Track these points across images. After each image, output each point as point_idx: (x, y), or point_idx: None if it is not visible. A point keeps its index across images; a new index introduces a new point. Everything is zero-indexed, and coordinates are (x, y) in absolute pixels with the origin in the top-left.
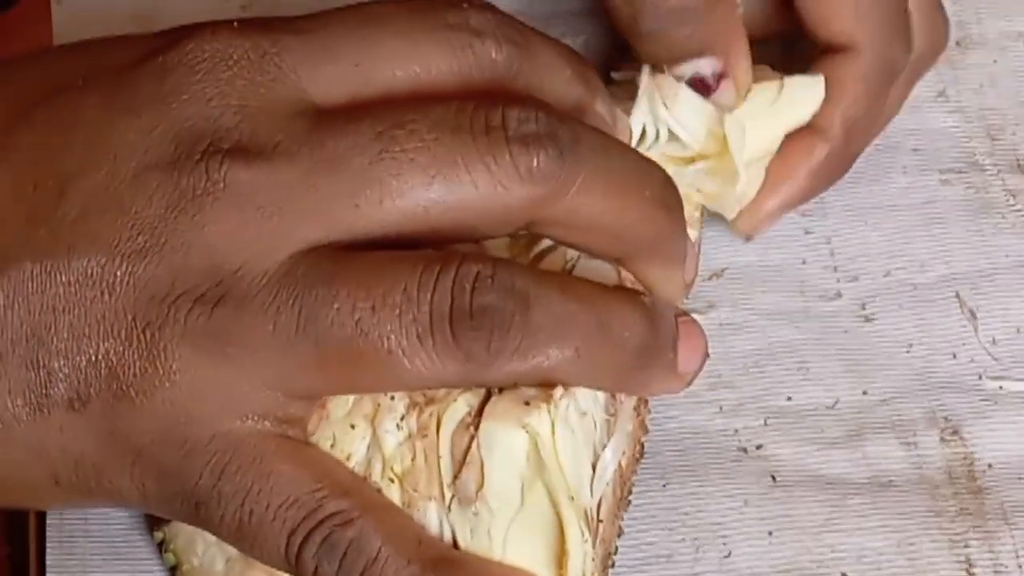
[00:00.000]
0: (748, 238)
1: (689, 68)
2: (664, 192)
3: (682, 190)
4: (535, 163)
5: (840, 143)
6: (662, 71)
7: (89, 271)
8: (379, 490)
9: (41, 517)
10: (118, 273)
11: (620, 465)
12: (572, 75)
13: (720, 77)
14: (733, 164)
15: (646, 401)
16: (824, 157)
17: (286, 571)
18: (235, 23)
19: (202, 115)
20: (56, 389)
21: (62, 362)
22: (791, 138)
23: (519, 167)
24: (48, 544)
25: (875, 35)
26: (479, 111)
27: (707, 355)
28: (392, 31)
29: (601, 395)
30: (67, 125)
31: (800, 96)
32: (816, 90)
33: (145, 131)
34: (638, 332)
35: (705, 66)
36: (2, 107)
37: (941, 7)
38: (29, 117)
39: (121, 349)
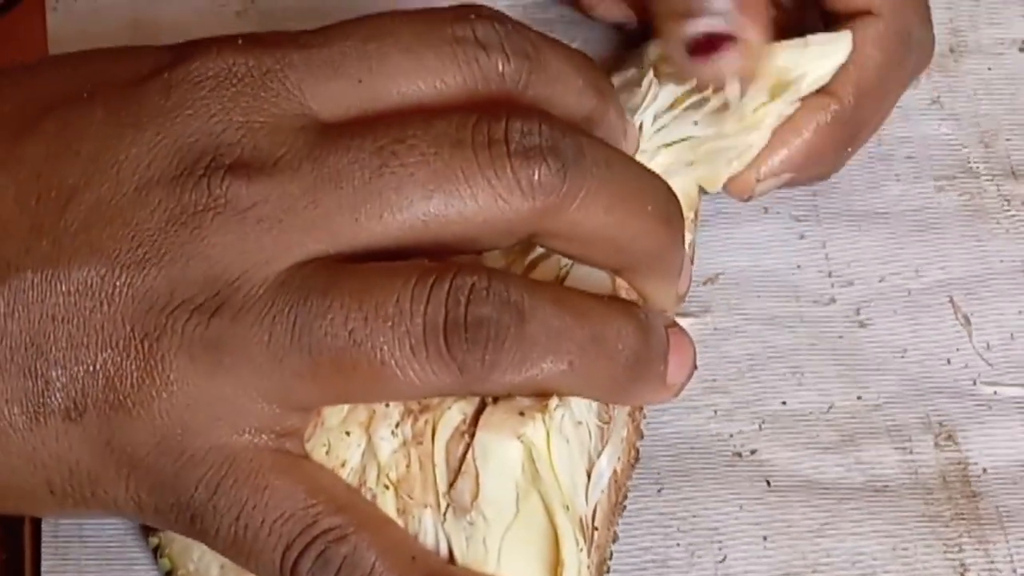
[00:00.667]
0: (746, 199)
1: (700, 24)
2: (666, 207)
3: (676, 187)
4: (536, 176)
5: (850, 106)
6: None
7: (89, 281)
8: (374, 497)
9: (36, 523)
10: (117, 284)
11: (615, 471)
12: (584, 85)
13: (728, 39)
14: (764, 116)
15: (641, 407)
16: (832, 118)
17: None
18: (240, 40)
19: (205, 131)
20: (53, 398)
21: (60, 371)
22: (803, 98)
23: (520, 181)
24: (43, 550)
25: (895, 1)
26: (481, 124)
27: (695, 366)
28: (397, 46)
29: (595, 403)
30: (72, 138)
31: (826, 52)
32: (842, 45)
33: (149, 146)
34: (631, 345)
35: (716, 24)
36: (9, 117)
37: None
38: (35, 129)
39: (119, 359)
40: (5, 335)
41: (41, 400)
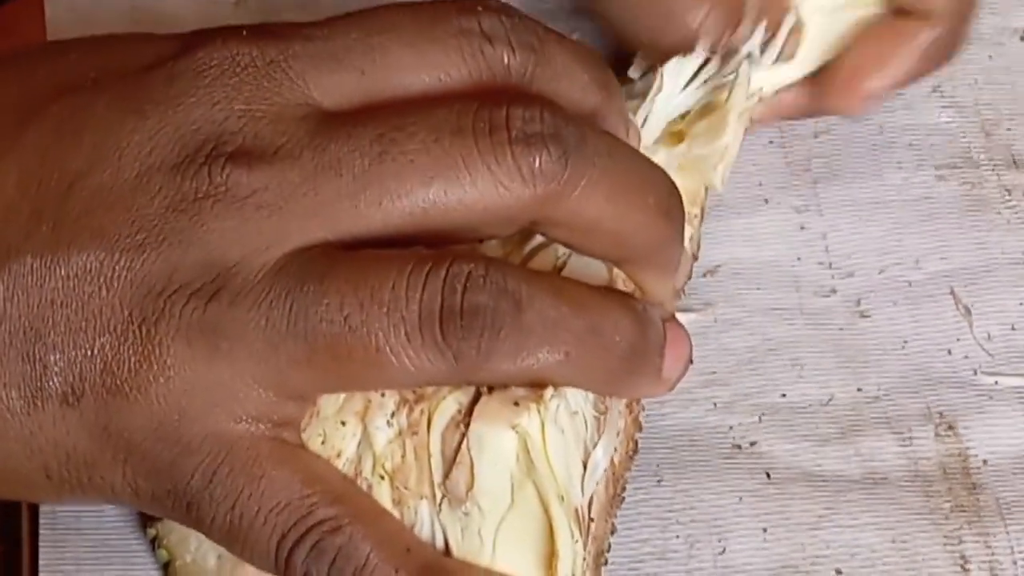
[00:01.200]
0: (853, 114)
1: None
2: (668, 201)
3: (681, 184)
4: (537, 163)
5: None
6: None
7: (88, 266)
8: (370, 487)
9: (34, 515)
10: (116, 268)
11: (612, 463)
12: (589, 80)
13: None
14: (725, 117)
15: (639, 399)
16: (935, 37)
17: (276, 575)
18: (244, 31)
19: (207, 119)
20: (51, 383)
21: (58, 356)
22: (898, 16)
23: (521, 167)
24: (41, 542)
25: None
26: (482, 111)
27: (691, 361)
28: (401, 40)
29: (591, 394)
30: (76, 125)
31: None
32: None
33: (150, 133)
34: (628, 337)
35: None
36: (14, 103)
37: None
38: (39, 115)
39: (117, 344)
40: (4, 319)
41: (39, 385)
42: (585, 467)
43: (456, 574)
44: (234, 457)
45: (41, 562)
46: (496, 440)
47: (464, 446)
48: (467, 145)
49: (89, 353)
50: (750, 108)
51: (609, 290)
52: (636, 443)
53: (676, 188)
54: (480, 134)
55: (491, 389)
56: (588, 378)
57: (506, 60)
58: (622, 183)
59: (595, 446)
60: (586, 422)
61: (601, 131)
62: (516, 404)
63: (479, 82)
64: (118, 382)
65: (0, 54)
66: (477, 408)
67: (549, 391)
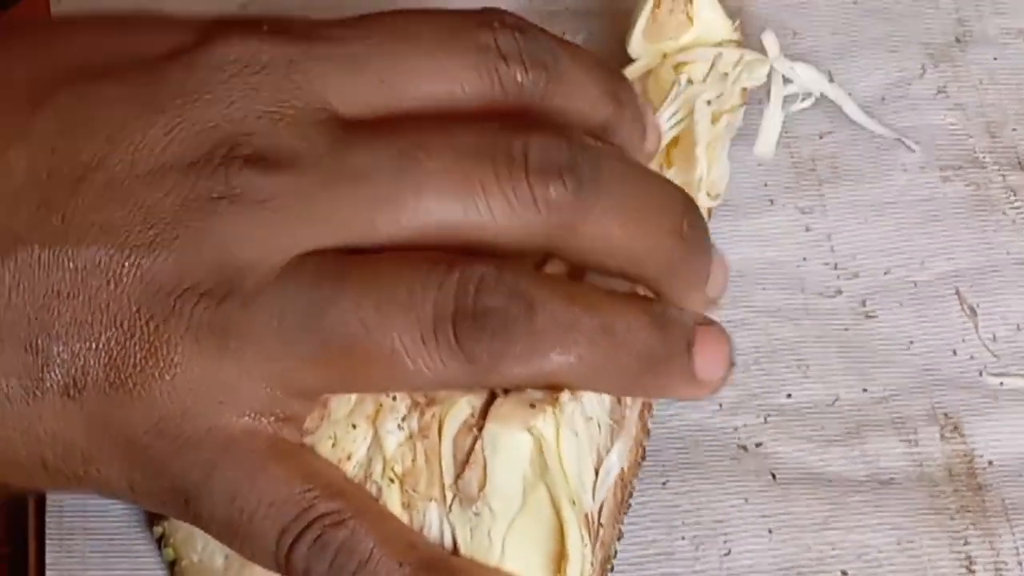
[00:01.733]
0: None
1: None
2: (683, 220)
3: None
4: (552, 195)
5: None
6: None
7: (97, 260)
8: (379, 490)
9: (40, 515)
10: (126, 264)
11: (622, 470)
12: (601, 93)
13: None
14: (692, 150)
15: (650, 406)
16: None
17: (276, 571)
18: (265, 26)
19: (224, 118)
20: (52, 374)
21: (61, 347)
22: None
23: (536, 198)
24: (47, 542)
25: None
26: (501, 137)
27: (733, 362)
28: (420, 50)
29: (607, 400)
30: (88, 114)
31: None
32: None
33: (166, 129)
34: (644, 338)
35: None
36: (24, 85)
37: None
38: (51, 101)
39: (123, 339)
40: (8, 307)
41: (40, 375)
42: (597, 473)
43: (460, 571)
44: (235, 451)
45: (47, 561)
46: (511, 441)
47: (478, 447)
48: (485, 170)
49: (94, 346)
50: (720, 135)
51: (626, 294)
52: (644, 449)
53: (693, 204)
54: (500, 161)
55: (507, 392)
56: (604, 380)
57: (519, 78)
58: (635, 208)
59: (608, 452)
60: (600, 428)
61: (616, 155)
62: (532, 406)
63: (492, 98)
64: (122, 377)
65: (6, 27)
66: (492, 409)
67: (565, 394)
